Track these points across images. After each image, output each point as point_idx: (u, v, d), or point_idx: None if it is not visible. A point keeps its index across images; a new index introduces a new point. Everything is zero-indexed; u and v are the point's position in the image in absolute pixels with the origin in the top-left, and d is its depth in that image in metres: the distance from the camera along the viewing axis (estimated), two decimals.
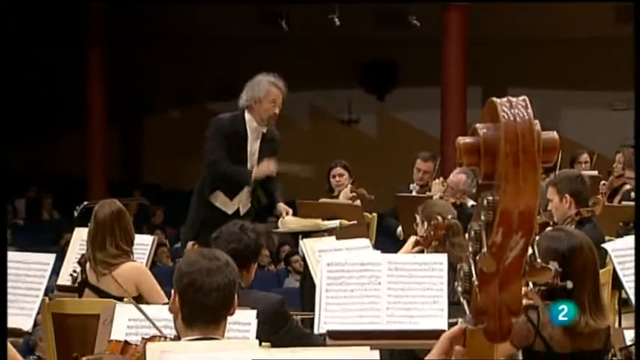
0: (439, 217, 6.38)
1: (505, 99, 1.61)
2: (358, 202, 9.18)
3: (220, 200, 7.81)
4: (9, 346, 4.84)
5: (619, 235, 7.38)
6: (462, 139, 1.63)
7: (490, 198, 1.61)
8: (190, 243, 6.95)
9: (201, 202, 7.82)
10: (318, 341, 5.27)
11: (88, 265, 5.93)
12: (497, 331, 1.66)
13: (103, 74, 17.33)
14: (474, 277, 1.65)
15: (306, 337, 5.23)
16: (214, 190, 7.81)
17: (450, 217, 6.47)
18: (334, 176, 9.55)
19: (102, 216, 5.89)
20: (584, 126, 16.36)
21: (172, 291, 3.73)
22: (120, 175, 19.20)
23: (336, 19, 15.33)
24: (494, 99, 1.61)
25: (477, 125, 1.63)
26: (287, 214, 7.84)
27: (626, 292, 6.12)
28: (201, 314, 3.65)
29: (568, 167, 9.53)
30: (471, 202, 8.69)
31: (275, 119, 7.79)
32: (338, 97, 19.03)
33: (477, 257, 1.63)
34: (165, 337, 3.90)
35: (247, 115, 7.77)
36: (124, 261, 5.81)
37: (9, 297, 5.88)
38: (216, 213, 7.63)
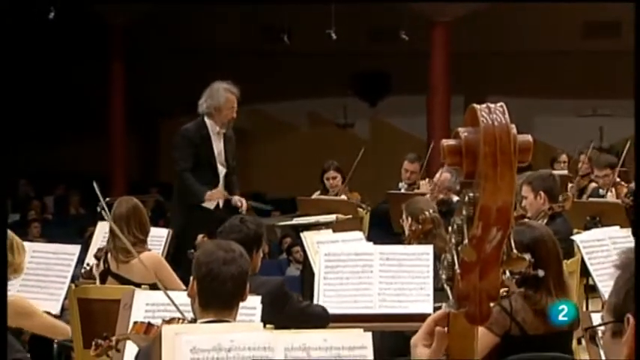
0: (426, 213, 6.38)
1: (484, 105, 1.60)
2: None
3: None
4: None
5: (587, 228, 7.39)
6: (446, 142, 1.62)
7: (471, 195, 1.60)
8: (200, 236, 6.93)
9: (186, 204, 7.78)
10: (320, 310, 5.28)
11: (109, 254, 5.93)
12: (477, 314, 1.65)
13: (124, 85, 17.34)
14: (457, 266, 1.65)
15: (307, 309, 5.22)
16: None
17: (431, 211, 6.48)
18: (328, 179, 9.50)
19: (119, 211, 5.92)
20: (555, 131, 16.34)
21: (191, 278, 3.74)
22: (138, 174, 19.18)
23: (333, 34, 15.32)
24: (475, 105, 1.60)
25: (460, 129, 1.62)
26: (241, 204, 7.79)
27: (593, 279, 6.13)
28: (216, 300, 3.66)
29: (543, 168, 9.51)
30: (455, 198, 8.69)
31: (233, 121, 7.79)
32: (334, 104, 19.01)
33: (460, 248, 1.63)
34: (184, 319, 3.90)
35: (208, 121, 7.80)
36: (141, 250, 5.80)
37: (40, 284, 5.89)
38: (201, 211, 7.62)
